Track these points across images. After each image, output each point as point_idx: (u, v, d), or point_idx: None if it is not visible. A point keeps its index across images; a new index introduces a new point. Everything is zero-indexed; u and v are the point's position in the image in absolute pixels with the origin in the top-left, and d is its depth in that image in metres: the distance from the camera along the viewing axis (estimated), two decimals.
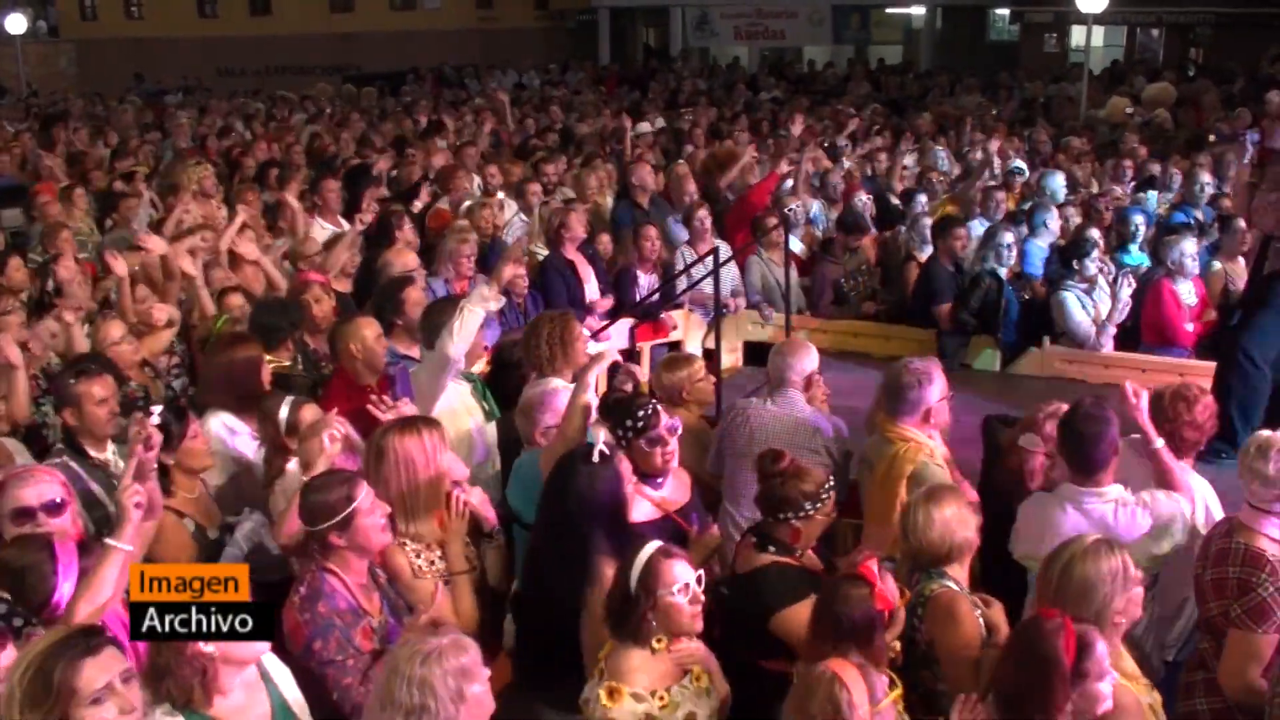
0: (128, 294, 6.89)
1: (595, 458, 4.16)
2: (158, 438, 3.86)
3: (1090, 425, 4.26)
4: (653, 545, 3.60)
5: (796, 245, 9.54)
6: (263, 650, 3.37)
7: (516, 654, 4.43)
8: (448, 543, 4.30)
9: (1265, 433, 4.08)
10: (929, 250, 8.78)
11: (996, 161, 11.11)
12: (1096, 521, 4.18)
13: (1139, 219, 9.21)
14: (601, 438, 4.23)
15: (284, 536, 4.35)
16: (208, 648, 3.12)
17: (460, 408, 5.48)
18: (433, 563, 4.28)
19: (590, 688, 3.59)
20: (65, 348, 6.35)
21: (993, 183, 10.56)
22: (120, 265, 6.88)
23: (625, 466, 4.30)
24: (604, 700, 3.49)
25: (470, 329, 5.17)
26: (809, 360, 5.47)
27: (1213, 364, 7.43)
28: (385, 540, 3.99)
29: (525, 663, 4.37)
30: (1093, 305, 7.70)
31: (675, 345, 8.65)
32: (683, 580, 3.56)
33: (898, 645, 3.70)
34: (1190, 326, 7.86)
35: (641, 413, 4.56)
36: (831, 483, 4.24)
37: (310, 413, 4.91)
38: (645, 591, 3.52)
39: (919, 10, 32.41)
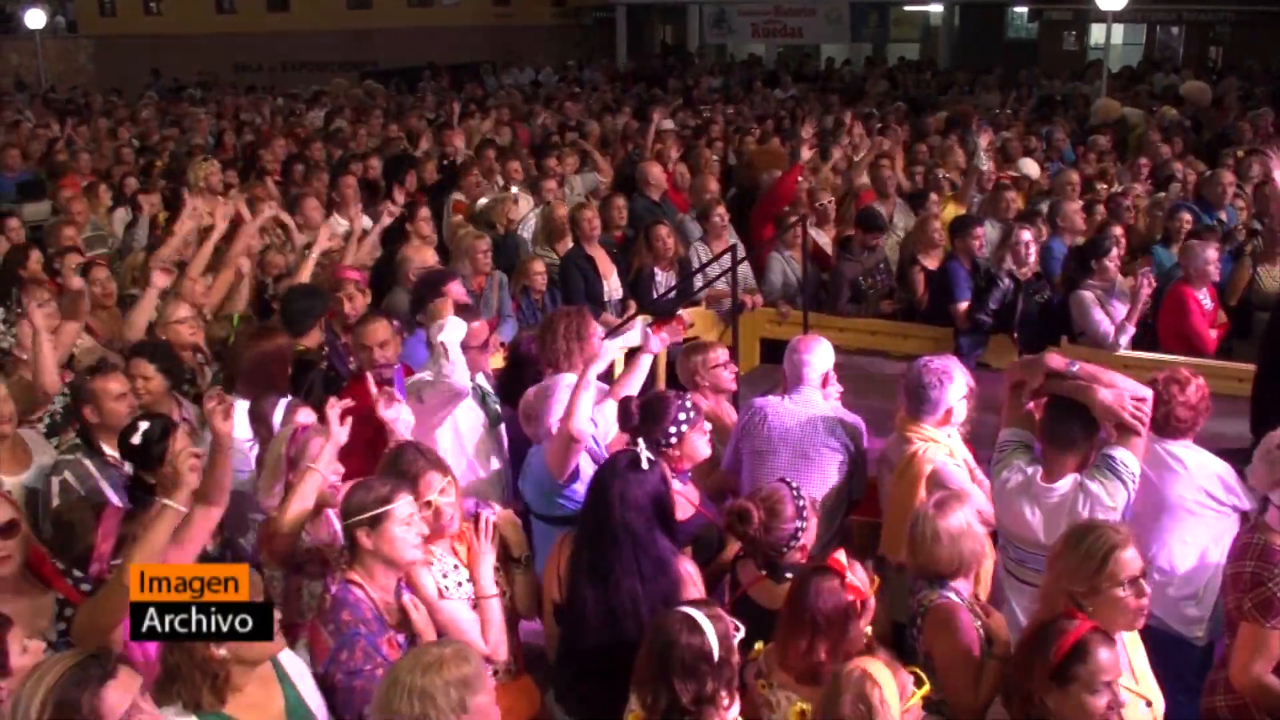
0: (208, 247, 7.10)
1: (644, 464, 4.12)
2: (233, 409, 3.91)
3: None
4: (699, 612, 3.34)
5: (822, 239, 9.56)
6: (277, 649, 3.36)
7: (558, 668, 4.31)
8: (476, 565, 4.19)
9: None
10: (935, 253, 8.77)
11: (986, 161, 10.93)
12: (1050, 513, 4.20)
13: (1187, 215, 9.15)
14: (643, 444, 4.21)
15: (274, 543, 4.32)
16: (220, 651, 3.11)
17: (465, 427, 5.45)
18: (460, 584, 4.17)
19: None
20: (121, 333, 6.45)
21: (989, 179, 10.48)
22: (161, 279, 6.70)
23: (667, 470, 4.30)
24: None
25: (459, 356, 5.12)
26: (825, 357, 5.46)
27: (1228, 364, 7.42)
28: (415, 558, 3.90)
29: (563, 682, 4.26)
30: (1112, 304, 7.66)
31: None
32: (740, 634, 3.40)
33: (870, 631, 3.65)
34: (1214, 333, 7.81)
35: (688, 403, 4.64)
36: (800, 493, 4.19)
37: (305, 415, 4.90)
38: (729, 652, 3.31)
39: (937, 8, 32.34)
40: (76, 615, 3.78)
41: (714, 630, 3.26)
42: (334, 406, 4.47)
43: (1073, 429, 4.26)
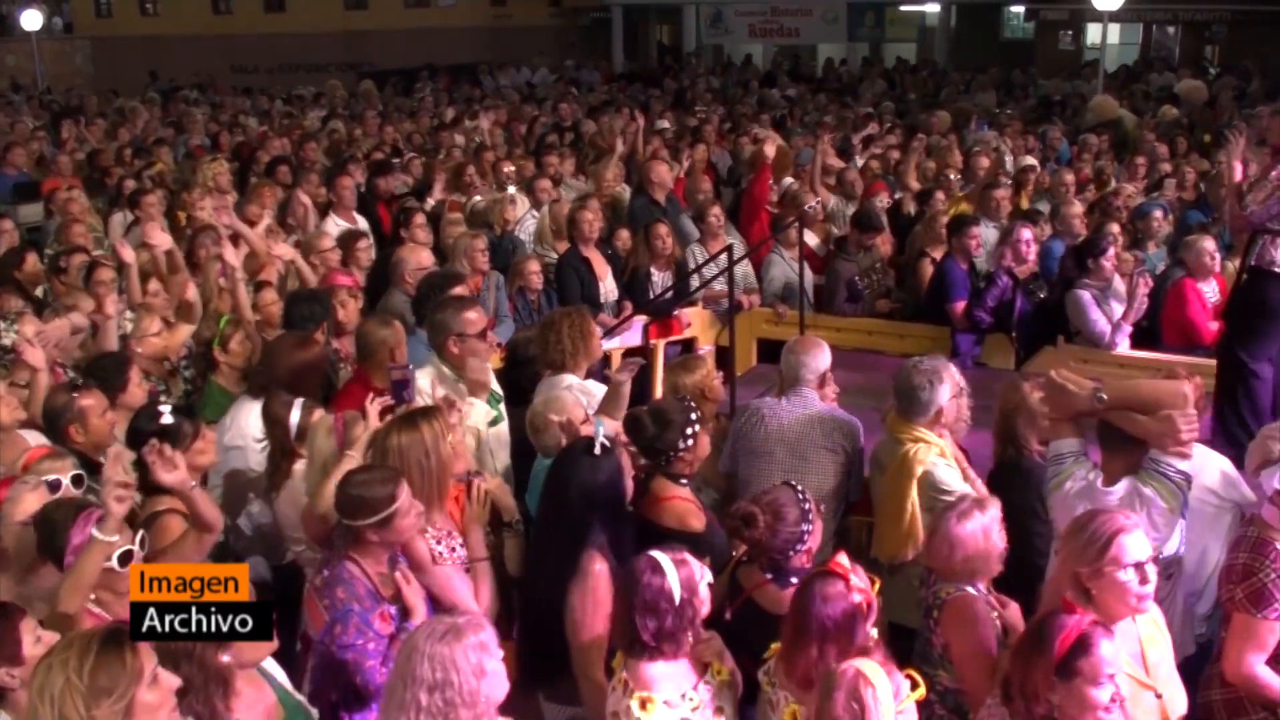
0: (135, 282, 6.93)
1: (597, 450, 4.19)
2: (178, 459, 3.95)
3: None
4: (665, 556, 3.54)
5: (812, 240, 9.56)
6: (272, 649, 3.42)
7: (518, 644, 4.40)
8: (469, 530, 4.35)
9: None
10: (944, 248, 8.76)
11: (1009, 158, 10.99)
12: None
13: (1158, 214, 9.18)
14: (601, 431, 4.26)
15: (312, 530, 4.35)
16: (224, 657, 3.15)
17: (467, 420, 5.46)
18: (454, 549, 4.29)
19: (617, 700, 3.54)
20: (95, 343, 6.41)
21: (1004, 180, 10.50)
22: (128, 253, 6.90)
23: (626, 460, 4.33)
24: (637, 712, 3.45)
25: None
26: (822, 358, 5.46)
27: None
28: (414, 535, 4.02)
29: (525, 653, 4.34)
30: (1108, 304, 7.67)
31: (689, 344, 8.65)
32: (705, 579, 3.57)
33: (875, 633, 3.63)
34: (1214, 325, 7.83)
35: (692, 405, 4.71)
36: (805, 496, 4.16)
37: (320, 416, 4.92)
38: (692, 595, 3.50)
39: (933, 8, 32.30)
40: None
41: (677, 572, 3.47)
42: (373, 402, 4.71)
43: (1125, 432, 4.21)
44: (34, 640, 3.23)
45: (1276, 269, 6.41)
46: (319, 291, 6.88)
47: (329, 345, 6.46)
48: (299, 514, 4.65)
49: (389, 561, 3.97)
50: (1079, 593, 3.51)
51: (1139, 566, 3.51)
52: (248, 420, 5.35)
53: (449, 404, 4.66)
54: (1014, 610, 4.04)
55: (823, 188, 10.68)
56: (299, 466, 4.83)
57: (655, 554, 3.53)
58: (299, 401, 4.99)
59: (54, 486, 4.16)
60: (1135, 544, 3.53)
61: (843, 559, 3.55)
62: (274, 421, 4.99)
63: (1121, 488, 4.10)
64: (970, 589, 3.94)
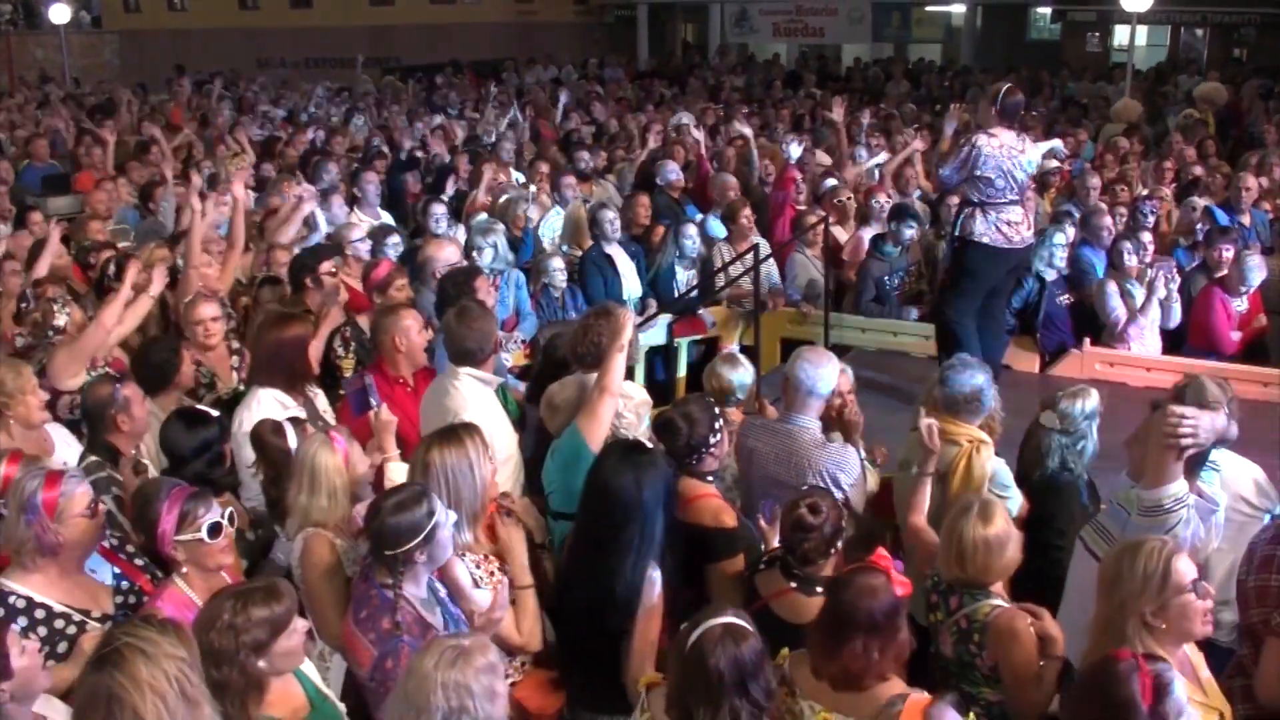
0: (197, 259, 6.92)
1: (650, 447, 4.13)
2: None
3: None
4: (734, 617, 3.26)
5: (842, 235, 9.55)
6: (301, 661, 3.43)
7: (560, 663, 4.25)
8: (511, 557, 4.12)
9: None
10: None
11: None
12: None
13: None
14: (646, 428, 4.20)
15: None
16: (261, 663, 3.15)
17: (493, 416, 5.31)
18: (492, 573, 4.09)
19: None
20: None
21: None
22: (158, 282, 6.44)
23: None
24: None
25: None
26: (829, 379, 5.02)
27: (1256, 369, 7.38)
28: (451, 548, 3.80)
29: (571, 676, 4.20)
30: (1133, 298, 7.69)
31: (713, 342, 8.65)
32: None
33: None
34: (1236, 335, 7.78)
35: (713, 403, 4.66)
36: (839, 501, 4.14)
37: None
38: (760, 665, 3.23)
39: (959, 9, 32.15)
40: None
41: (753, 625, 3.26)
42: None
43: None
44: (19, 651, 3.13)
45: (975, 238, 7.13)
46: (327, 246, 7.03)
47: (359, 329, 6.46)
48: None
49: (428, 586, 3.79)
50: (1143, 632, 3.41)
51: (1195, 584, 3.42)
52: (248, 412, 5.27)
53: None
54: (1048, 620, 3.97)
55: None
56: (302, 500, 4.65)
57: (729, 619, 3.24)
58: (287, 425, 4.76)
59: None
60: (1186, 563, 3.44)
61: (883, 552, 3.53)
62: (273, 451, 4.69)
63: (1224, 500, 4.03)
64: (1001, 601, 3.93)
